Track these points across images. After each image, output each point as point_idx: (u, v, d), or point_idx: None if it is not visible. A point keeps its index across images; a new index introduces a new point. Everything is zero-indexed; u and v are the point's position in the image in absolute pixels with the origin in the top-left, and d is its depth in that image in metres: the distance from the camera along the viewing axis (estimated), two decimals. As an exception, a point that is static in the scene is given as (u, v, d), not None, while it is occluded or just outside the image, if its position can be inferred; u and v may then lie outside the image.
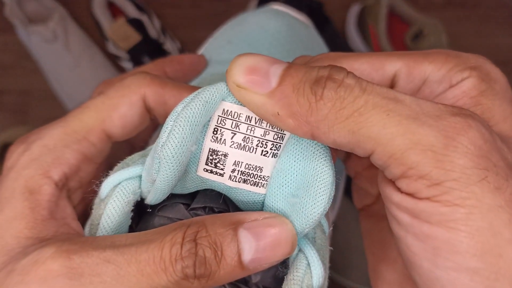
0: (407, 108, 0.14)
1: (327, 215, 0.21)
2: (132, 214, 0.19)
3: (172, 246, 0.15)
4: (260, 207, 0.19)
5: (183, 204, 0.20)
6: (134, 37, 0.58)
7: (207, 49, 0.31)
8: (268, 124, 0.18)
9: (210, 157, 0.18)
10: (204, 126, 0.17)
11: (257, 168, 0.18)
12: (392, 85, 0.19)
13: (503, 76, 0.18)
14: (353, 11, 0.65)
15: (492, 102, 0.17)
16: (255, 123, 0.18)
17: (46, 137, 0.20)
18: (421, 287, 0.16)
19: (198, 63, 0.28)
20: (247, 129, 0.17)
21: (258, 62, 0.16)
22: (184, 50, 0.63)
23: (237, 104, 0.17)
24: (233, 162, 0.18)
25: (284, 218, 0.17)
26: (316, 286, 0.17)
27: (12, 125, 0.60)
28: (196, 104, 0.16)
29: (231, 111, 0.17)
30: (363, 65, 0.18)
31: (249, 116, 0.17)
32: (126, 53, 0.59)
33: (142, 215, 0.20)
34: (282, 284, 0.18)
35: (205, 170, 0.18)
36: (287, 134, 0.18)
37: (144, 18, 0.59)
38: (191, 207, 0.20)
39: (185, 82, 0.27)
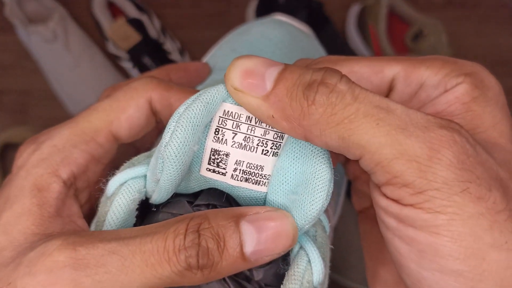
0: (397, 118, 0.15)
1: (328, 214, 0.21)
2: (137, 212, 0.19)
3: (176, 237, 0.16)
4: (262, 204, 0.19)
5: (187, 201, 0.20)
6: (134, 37, 0.58)
7: (212, 57, 0.32)
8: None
9: (212, 157, 0.18)
10: (206, 126, 0.18)
11: (258, 167, 0.18)
12: (390, 88, 0.19)
13: (497, 84, 0.18)
14: (353, 11, 0.65)
15: (483, 109, 0.17)
16: (255, 123, 0.18)
17: (56, 137, 0.20)
18: (410, 287, 0.17)
19: (202, 70, 0.29)
20: (248, 129, 0.18)
21: (255, 65, 0.17)
22: (184, 50, 0.63)
23: (237, 105, 0.18)
24: (235, 161, 0.18)
25: (285, 212, 0.17)
26: (316, 282, 0.18)
27: (12, 125, 0.60)
28: (197, 105, 0.17)
29: (232, 112, 0.18)
30: (363, 68, 0.19)
31: (249, 116, 0.18)
32: (126, 53, 0.59)
33: (146, 214, 0.21)
34: (282, 281, 0.18)
35: (207, 169, 0.19)
36: None
37: (144, 18, 0.59)
38: (195, 203, 0.20)
39: None
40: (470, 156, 0.15)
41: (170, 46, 0.60)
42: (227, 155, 0.18)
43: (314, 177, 0.17)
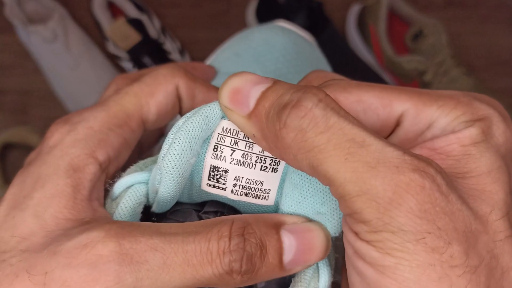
0: (369, 155, 0.15)
1: None
2: (141, 215, 0.19)
3: (220, 238, 0.16)
4: None
5: (195, 210, 0.21)
6: (134, 37, 0.58)
7: (214, 61, 0.32)
8: None
9: (212, 173, 0.19)
10: (205, 142, 0.18)
11: (258, 182, 0.19)
12: (397, 123, 0.19)
13: (504, 132, 0.17)
14: (353, 11, 0.65)
15: (481, 153, 0.16)
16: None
17: (91, 119, 0.20)
18: None
19: (209, 72, 0.29)
20: (246, 146, 0.18)
21: (243, 82, 0.17)
22: (184, 50, 0.63)
23: None
24: (234, 177, 0.18)
25: (320, 224, 0.18)
26: None
27: (12, 125, 0.60)
28: (196, 119, 0.17)
29: (230, 129, 0.18)
30: (371, 98, 0.18)
31: None
32: (126, 53, 0.59)
33: (148, 220, 0.21)
34: None
35: (208, 185, 0.19)
36: None
37: (144, 18, 0.59)
38: (204, 210, 0.20)
39: None
40: (436, 205, 0.14)
41: (170, 46, 0.60)
42: (226, 171, 0.18)
43: None
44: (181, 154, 0.17)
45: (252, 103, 0.16)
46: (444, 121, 0.17)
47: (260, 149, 0.18)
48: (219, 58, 0.31)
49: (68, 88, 0.60)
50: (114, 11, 0.62)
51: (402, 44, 0.63)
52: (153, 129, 0.22)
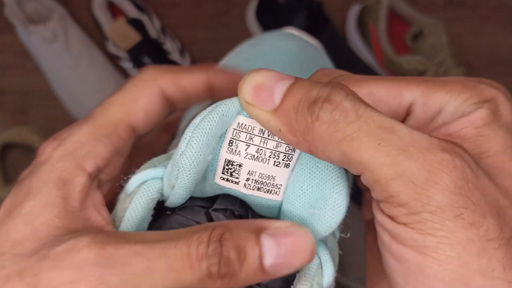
0: (399, 139, 0.15)
1: None
2: (153, 211, 0.20)
3: (199, 244, 0.16)
4: (275, 211, 0.20)
5: (202, 207, 0.21)
6: (134, 37, 0.58)
7: (224, 66, 0.33)
8: None
9: (226, 167, 0.19)
10: (221, 137, 0.19)
11: (270, 177, 0.19)
12: (408, 112, 0.19)
13: None
14: (353, 11, 0.65)
15: (495, 132, 0.17)
16: (268, 136, 0.19)
17: (78, 133, 0.21)
18: None
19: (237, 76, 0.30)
20: (260, 141, 0.19)
21: (265, 79, 0.17)
22: (184, 50, 0.63)
23: (251, 118, 0.19)
24: (247, 171, 0.19)
25: (305, 228, 0.18)
26: (326, 284, 0.19)
27: (12, 125, 0.60)
28: (213, 117, 0.18)
29: (246, 125, 0.19)
30: (381, 91, 0.19)
31: (262, 129, 0.19)
32: (126, 53, 0.59)
33: (159, 214, 0.21)
34: (290, 286, 0.19)
35: (221, 178, 0.19)
36: None
37: (144, 18, 0.59)
38: (213, 207, 0.21)
39: None
40: (469, 181, 0.15)
41: (170, 46, 0.60)
42: (240, 165, 0.19)
43: (332, 192, 0.18)
44: (199, 152, 0.18)
45: (277, 98, 0.17)
46: (454, 105, 0.18)
47: (274, 144, 0.19)
48: (230, 63, 0.32)
49: (68, 88, 0.60)
50: (114, 11, 0.62)
51: (402, 44, 0.63)
52: (157, 130, 0.23)
